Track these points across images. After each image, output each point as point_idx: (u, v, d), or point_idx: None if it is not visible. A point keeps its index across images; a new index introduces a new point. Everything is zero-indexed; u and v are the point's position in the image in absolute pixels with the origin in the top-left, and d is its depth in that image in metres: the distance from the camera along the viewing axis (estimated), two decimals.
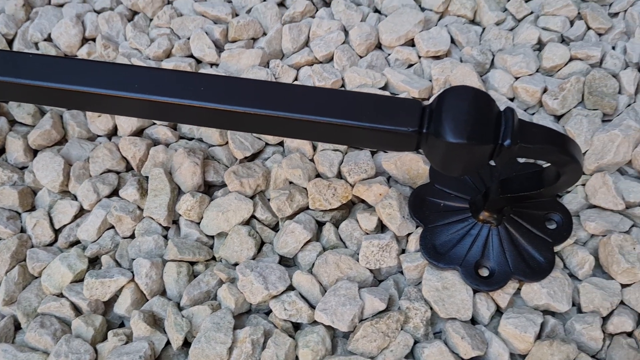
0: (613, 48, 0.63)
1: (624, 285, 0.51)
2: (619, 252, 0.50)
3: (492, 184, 0.51)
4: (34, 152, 0.62)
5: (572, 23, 0.65)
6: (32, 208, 0.60)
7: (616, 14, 0.66)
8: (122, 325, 0.54)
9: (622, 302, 0.51)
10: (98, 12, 0.70)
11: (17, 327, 0.54)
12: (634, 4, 0.66)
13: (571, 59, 0.62)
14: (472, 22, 0.67)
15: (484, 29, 0.66)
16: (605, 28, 0.64)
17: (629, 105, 0.59)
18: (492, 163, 0.52)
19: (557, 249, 0.53)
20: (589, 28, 0.64)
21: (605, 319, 0.50)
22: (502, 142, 0.41)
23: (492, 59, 0.63)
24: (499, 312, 0.52)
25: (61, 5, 0.71)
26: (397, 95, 0.59)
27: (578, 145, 0.43)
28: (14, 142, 0.61)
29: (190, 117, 0.45)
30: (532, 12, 0.66)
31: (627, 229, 0.53)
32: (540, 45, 0.64)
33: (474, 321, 0.52)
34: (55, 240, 0.58)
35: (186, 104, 0.44)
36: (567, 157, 0.42)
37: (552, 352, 0.47)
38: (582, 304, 0.50)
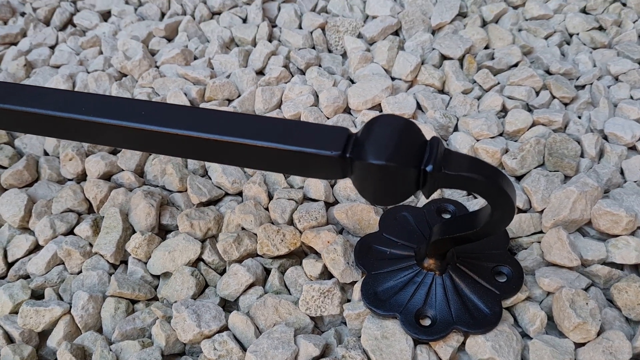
0: (579, 117, 0.64)
1: (578, 345, 0.47)
2: (570, 307, 0.47)
3: (435, 227, 0.50)
4: (5, 192, 0.64)
5: (537, 93, 0.66)
6: None
7: (582, 87, 0.67)
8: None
9: None
10: (87, 73, 0.74)
11: None
12: (600, 78, 0.66)
13: (534, 124, 0.62)
14: (441, 92, 0.69)
15: (450, 97, 0.67)
16: (570, 97, 0.64)
17: (590, 168, 0.58)
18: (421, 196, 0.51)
19: (506, 303, 0.50)
20: (553, 97, 0.65)
21: None
22: (425, 167, 0.41)
23: (456, 124, 0.64)
24: None
25: (58, 67, 0.76)
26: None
27: (509, 179, 0.42)
28: None
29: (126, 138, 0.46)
30: (498, 83, 0.68)
31: (583, 286, 0.50)
32: (504, 113, 0.65)
33: None
34: (7, 274, 0.58)
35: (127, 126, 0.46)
36: (494, 187, 0.41)
37: None
38: None
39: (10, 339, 0.52)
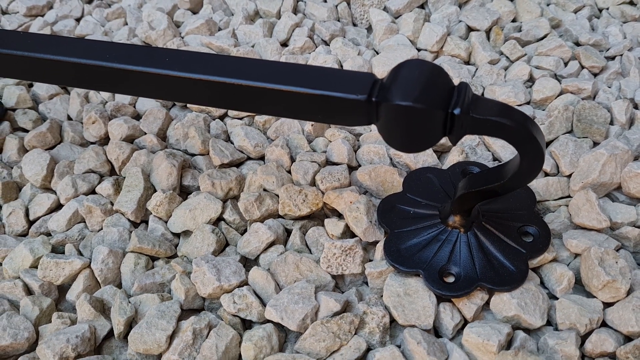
0: (609, 87, 0.62)
1: (606, 304, 0.46)
2: (599, 265, 0.46)
3: (460, 182, 0.49)
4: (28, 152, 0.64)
5: (566, 64, 0.65)
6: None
7: (612, 58, 0.65)
8: None
9: (604, 324, 0.45)
10: None
11: None
12: (631, 49, 0.65)
13: (562, 92, 0.61)
14: (467, 63, 0.68)
15: (477, 68, 0.66)
16: (599, 67, 0.63)
17: (620, 135, 0.57)
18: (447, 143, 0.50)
19: (533, 263, 0.48)
20: (582, 67, 0.64)
21: (583, 338, 0.45)
22: (452, 111, 0.40)
23: (482, 92, 0.63)
24: (464, 326, 0.47)
25: (83, 37, 0.76)
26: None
27: (538, 126, 0.41)
28: (10, 142, 0.63)
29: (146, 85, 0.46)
30: (526, 54, 0.66)
31: (612, 248, 0.49)
32: (532, 82, 0.64)
33: (438, 334, 0.47)
34: (29, 231, 0.58)
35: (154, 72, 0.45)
36: (523, 133, 0.40)
37: None
38: (557, 320, 0.45)
39: (29, 291, 0.52)
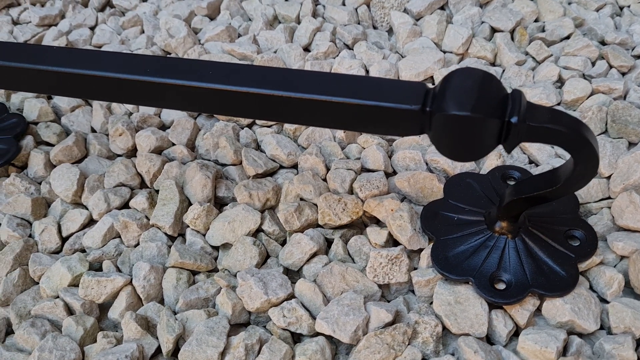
0: (638, 86, 0.62)
1: None
2: None
3: (502, 194, 0.48)
4: (54, 168, 0.63)
5: (593, 64, 0.65)
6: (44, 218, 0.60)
7: (638, 56, 0.65)
8: None
9: None
10: (133, 51, 0.74)
11: (10, 331, 0.52)
12: None
13: (593, 93, 0.61)
14: (492, 64, 0.68)
15: (504, 69, 0.66)
16: (628, 66, 0.63)
17: None
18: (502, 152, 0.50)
19: (581, 267, 0.48)
20: (610, 67, 0.64)
21: (638, 342, 0.45)
22: (509, 119, 0.40)
23: None
24: (517, 334, 0.47)
25: (100, 46, 0.75)
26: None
27: (592, 131, 0.41)
28: (36, 157, 0.62)
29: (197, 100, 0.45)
30: (552, 55, 0.66)
31: None
32: (560, 83, 0.64)
33: (490, 342, 0.47)
34: (62, 248, 0.57)
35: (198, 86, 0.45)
36: (579, 139, 0.40)
37: None
38: (611, 324, 0.45)
39: (70, 311, 0.51)
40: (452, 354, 0.47)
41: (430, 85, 0.43)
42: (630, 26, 0.69)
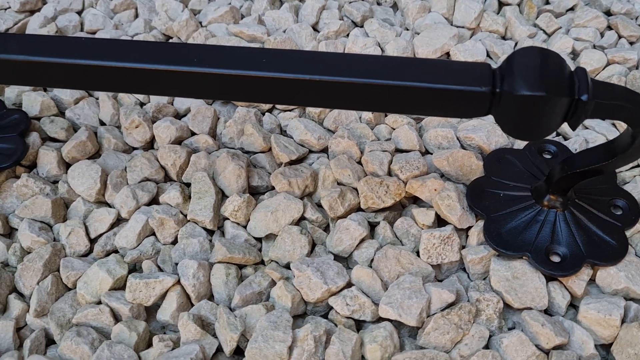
0: None
1: None
2: None
3: (552, 168, 0.49)
4: (67, 166, 0.59)
5: (602, 34, 0.67)
6: (64, 221, 0.56)
7: None
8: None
9: None
10: (130, 37, 0.70)
11: (49, 341, 0.49)
12: None
13: (608, 63, 0.63)
14: (503, 38, 0.68)
15: (516, 42, 0.67)
16: (637, 36, 0.65)
17: None
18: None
19: (627, 234, 0.50)
20: (620, 37, 0.66)
21: None
22: (579, 97, 0.40)
23: None
24: (572, 304, 0.49)
25: (94, 33, 0.71)
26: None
27: None
28: (47, 154, 0.58)
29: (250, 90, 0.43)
30: (561, 27, 0.68)
31: None
32: (574, 55, 0.65)
33: (547, 313, 0.48)
34: (91, 250, 0.54)
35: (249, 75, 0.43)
36: None
37: None
38: None
39: (116, 318, 0.49)
40: (512, 328, 0.48)
41: (493, 65, 0.43)
42: None
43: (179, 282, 0.50)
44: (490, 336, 0.46)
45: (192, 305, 0.50)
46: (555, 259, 0.49)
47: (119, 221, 0.55)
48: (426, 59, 0.44)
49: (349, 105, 0.44)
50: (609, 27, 0.67)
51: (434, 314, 0.47)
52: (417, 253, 0.52)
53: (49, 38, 0.47)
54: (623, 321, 0.46)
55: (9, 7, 0.74)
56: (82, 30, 0.72)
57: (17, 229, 0.56)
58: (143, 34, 0.69)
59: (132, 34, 0.70)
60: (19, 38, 0.46)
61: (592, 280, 0.49)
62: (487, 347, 0.46)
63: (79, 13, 0.74)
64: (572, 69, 0.42)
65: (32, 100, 0.63)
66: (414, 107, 0.44)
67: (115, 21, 0.72)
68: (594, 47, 0.66)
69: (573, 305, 0.49)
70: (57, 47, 0.45)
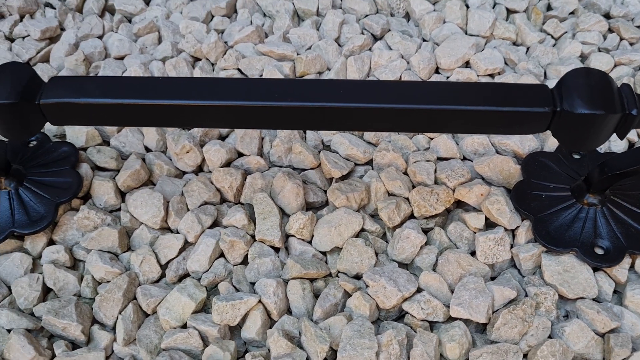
0: None
1: None
2: None
3: (592, 169, 0.55)
4: (122, 195, 0.61)
5: (604, 37, 0.72)
6: (128, 249, 0.58)
7: (638, 27, 0.74)
8: (246, 351, 0.53)
9: None
10: (161, 61, 0.71)
11: None
12: None
13: (616, 65, 0.69)
14: (514, 43, 0.74)
15: (527, 48, 0.72)
16: (637, 38, 0.71)
17: None
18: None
19: None
20: (621, 39, 0.72)
21: None
22: (630, 111, 0.45)
23: (545, 72, 0.69)
24: (615, 291, 0.54)
25: (121, 58, 0.72)
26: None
27: None
28: (102, 185, 0.60)
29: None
30: (567, 32, 0.73)
31: None
32: (582, 58, 0.71)
33: (596, 300, 0.54)
34: (162, 276, 0.56)
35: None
36: None
37: None
38: None
39: (203, 340, 0.51)
40: (565, 316, 0.53)
41: (549, 86, 0.47)
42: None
43: (259, 301, 0.53)
44: (551, 326, 0.52)
45: (273, 321, 0.53)
46: (600, 251, 0.54)
47: (185, 245, 0.58)
48: (489, 83, 0.48)
49: (424, 129, 0.48)
50: (610, 30, 0.73)
51: (497, 310, 0.52)
52: (472, 254, 0.56)
53: (126, 80, 0.48)
54: None
55: (28, 35, 0.74)
56: (107, 56, 0.73)
57: (82, 261, 0.57)
58: (172, 58, 0.71)
59: (160, 57, 0.71)
60: (98, 81, 0.47)
61: (631, 268, 0.55)
62: (550, 336, 0.51)
63: (100, 37, 0.75)
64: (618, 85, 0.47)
65: (77, 131, 0.64)
66: (483, 128, 0.48)
67: (139, 45, 0.73)
68: (599, 50, 0.71)
69: (616, 291, 0.54)
70: (137, 89, 0.47)
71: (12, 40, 0.75)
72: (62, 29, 0.76)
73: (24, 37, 0.74)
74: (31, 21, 0.74)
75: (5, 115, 0.47)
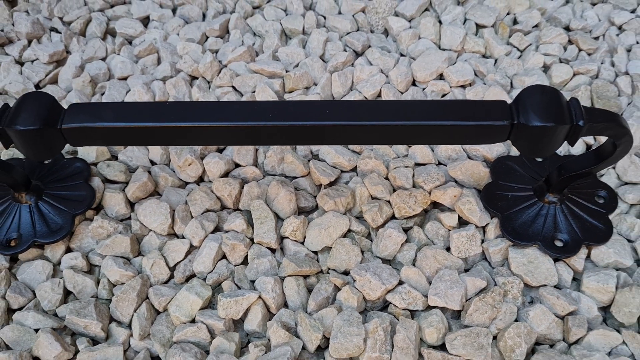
0: (602, 63, 0.78)
1: None
2: None
3: (551, 172, 0.62)
4: (131, 205, 0.67)
5: (564, 48, 0.80)
6: (139, 254, 0.65)
7: (596, 38, 0.81)
8: (248, 342, 0.59)
9: None
10: (161, 80, 0.77)
11: (153, 359, 0.58)
12: (608, 29, 0.81)
13: (574, 74, 0.76)
14: (483, 56, 0.81)
15: (495, 60, 0.79)
16: (594, 49, 0.79)
17: (629, 103, 0.73)
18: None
19: (610, 217, 0.64)
20: (580, 50, 0.79)
21: None
22: (577, 122, 0.52)
23: (511, 82, 0.76)
24: (574, 278, 0.62)
25: (124, 79, 0.78)
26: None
27: (626, 120, 0.55)
28: (113, 197, 0.66)
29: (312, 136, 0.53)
30: (531, 44, 0.80)
31: None
32: (544, 67, 0.78)
33: (557, 287, 0.61)
34: (171, 277, 0.63)
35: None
36: (624, 130, 0.54)
37: (633, 296, 0.57)
38: None
39: (210, 332, 0.58)
40: (530, 302, 0.60)
41: (508, 102, 0.54)
42: (583, 12, 0.84)
43: (259, 296, 0.59)
44: (517, 311, 0.59)
45: (272, 314, 0.60)
46: (559, 244, 0.61)
47: (191, 249, 0.64)
48: (457, 101, 0.55)
49: (402, 142, 0.55)
50: (570, 42, 0.80)
51: (469, 298, 0.59)
52: (447, 249, 0.63)
53: (137, 105, 0.55)
54: (616, 287, 0.59)
55: (37, 59, 0.80)
56: (111, 77, 0.79)
57: (97, 266, 0.64)
58: (171, 77, 0.77)
59: (160, 77, 0.78)
60: (112, 107, 0.54)
61: (587, 258, 0.62)
62: (516, 320, 0.58)
63: (103, 59, 0.81)
64: (567, 99, 0.54)
65: (88, 148, 0.70)
66: (452, 140, 0.55)
67: (140, 65, 0.79)
68: (560, 60, 0.79)
69: (575, 279, 0.62)
70: (147, 113, 0.53)
71: (21, 63, 0.81)
72: (68, 52, 0.82)
73: (32, 61, 0.80)
74: (39, 46, 0.80)
75: (31, 140, 0.54)
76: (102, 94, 0.77)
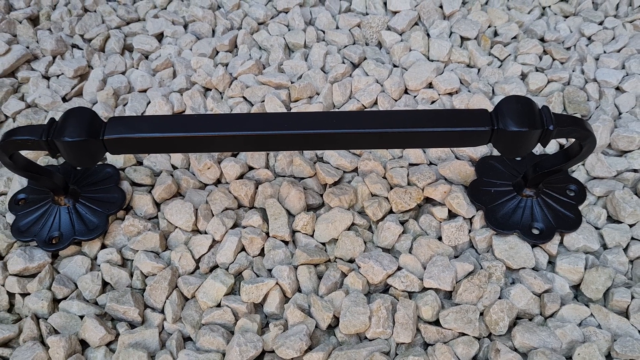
0: (573, 71, 0.87)
1: (631, 225, 0.72)
2: (624, 202, 0.71)
3: (528, 169, 0.71)
4: (157, 205, 0.75)
5: (540, 58, 0.89)
6: (166, 249, 0.73)
7: (568, 48, 0.90)
8: (267, 323, 0.68)
9: (632, 238, 0.71)
10: (178, 92, 0.85)
11: (184, 339, 0.66)
12: (579, 40, 0.91)
13: (549, 82, 0.85)
14: (468, 66, 0.90)
15: (478, 69, 0.88)
16: (566, 58, 0.88)
17: (597, 107, 0.82)
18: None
19: (580, 208, 0.73)
20: (553, 59, 0.88)
21: (624, 250, 0.70)
22: (548, 127, 0.61)
23: (493, 89, 0.85)
24: (549, 262, 0.71)
25: (144, 91, 0.86)
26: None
27: (589, 124, 0.64)
28: (142, 198, 0.74)
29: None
30: (510, 54, 0.89)
31: (621, 189, 0.74)
32: (522, 76, 0.87)
33: (535, 269, 0.70)
34: (197, 268, 0.71)
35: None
36: (588, 132, 0.63)
37: (599, 275, 0.66)
38: (607, 243, 0.70)
39: (234, 315, 0.66)
40: (513, 282, 0.69)
41: (489, 110, 0.63)
42: (556, 24, 0.93)
43: (276, 283, 0.68)
44: (500, 290, 0.68)
45: (288, 298, 0.68)
46: (536, 232, 0.70)
47: (213, 243, 0.72)
48: (445, 110, 0.64)
49: (397, 146, 0.63)
50: (545, 52, 0.89)
51: (459, 280, 0.68)
52: (439, 239, 0.72)
53: (169, 118, 0.63)
54: (585, 268, 0.69)
55: (62, 74, 0.88)
56: (131, 90, 0.87)
57: (130, 260, 0.72)
58: (187, 89, 0.85)
59: (176, 89, 0.86)
60: (147, 120, 0.62)
61: (560, 243, 0.71)
62: (500, 297, 0.67)
63: (123, 73, 0.89)
64: (540, 106, 0.63)
65: (115, 155, 0.78)
66: (442, 143, 0.63)
67: (158, 79, 0.87)
68: (536, 69, 0.88)
69: (550, 262, 0.71)
70: (179, 124, 0.62)
71: (48, 78, 0.88)
72: (90, 67, 0.90)
73: (58, 76, 0.88)
74: (64, 61, 0.88)
75: (77, 150, 0.62)
76: (125, 105, 0.85)
